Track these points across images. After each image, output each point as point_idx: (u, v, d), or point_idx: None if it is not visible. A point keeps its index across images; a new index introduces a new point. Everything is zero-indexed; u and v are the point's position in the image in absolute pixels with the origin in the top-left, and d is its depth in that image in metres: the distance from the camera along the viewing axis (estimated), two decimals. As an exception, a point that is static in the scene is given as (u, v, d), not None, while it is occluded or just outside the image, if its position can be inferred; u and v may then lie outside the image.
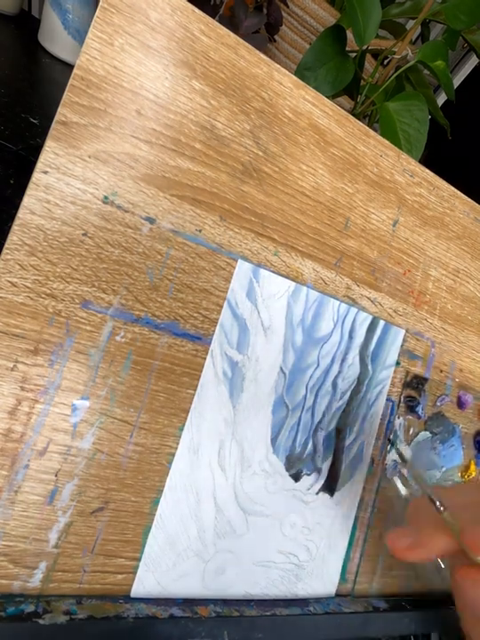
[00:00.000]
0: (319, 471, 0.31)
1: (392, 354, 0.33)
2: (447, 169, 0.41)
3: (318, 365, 0.30)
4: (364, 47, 0.49)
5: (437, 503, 0.23)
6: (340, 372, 0.31)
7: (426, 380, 0.35)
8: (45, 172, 0.22)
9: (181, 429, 0.26)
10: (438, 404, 0.36)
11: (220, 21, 0.25)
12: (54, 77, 0.64)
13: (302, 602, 0.29)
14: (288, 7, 0.63)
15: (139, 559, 0.25)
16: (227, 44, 0.25)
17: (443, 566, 0.36)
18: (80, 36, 0.65)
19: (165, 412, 0.25)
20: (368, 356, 0.32)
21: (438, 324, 0.36)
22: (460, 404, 0.37)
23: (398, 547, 0.23)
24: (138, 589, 0.25)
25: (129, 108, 0.23)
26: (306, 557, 0.30)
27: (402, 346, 0.34)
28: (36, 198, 0.22)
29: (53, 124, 0.22)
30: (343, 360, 0.31)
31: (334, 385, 0.31)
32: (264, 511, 0.28)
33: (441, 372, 0.36)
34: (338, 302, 0.31)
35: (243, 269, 0.27)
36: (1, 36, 0.65)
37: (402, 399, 0.34)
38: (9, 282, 0.21)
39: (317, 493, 0.30)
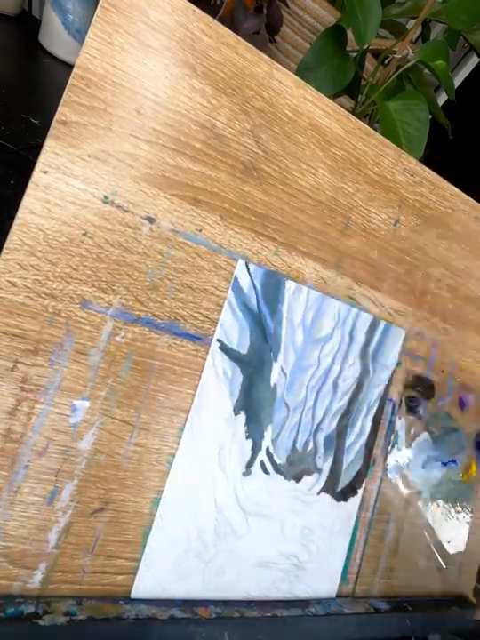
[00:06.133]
0: (320, 472, 0.30)
1: (393, 354, 0.33)
2: (448, 168, 0.41)
3: (319, 366, 0.30)
4: (365, 47, 0.49)
5: None
6: (340, 373, 0.31)
7: (427, 380, 0.35)
8: (45, 172, 0.22)
9: (181, 430, 0.26)
10: (439, 404, 0.36)
11: (220, 23, 0.25)
12: (54, 77, 0.64)
13: (303, 603, 0.29)
14: (288, 7, 0.63)
15: (139, 560, 0.25)
16: (227, 43, 0.25)
17: (444, 566, 0.36)
18: (80, 36, 0.65)
19: (165, 413, 0.25)
20: (369, 356, 0.32)
21: (439, 323, 0.36)
22: (462, 404, 0.37)
23: None
24: (138, 590, 0.24)
25: (129, 107, 0.23)
26: (306, 558, 0.30)
27: (403, 346, 0.34)
28: (35, 198, 0.22)
29: (53, 124, 0.22)
30: (344, 360, 0.31)
31: (335, 385, 0.31)
32: (265, 512, 0.28)
33: (442, 372, 0.36)
34: (338, 302, 0.31)
35: (243, 269, 0.27)
36: (1, 36, 0.65)
37: (402, 399, 0.34)
38: (9, 282, 0.21)
39: (318, 494, 0.30)
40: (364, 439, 0.32)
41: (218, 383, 0.27)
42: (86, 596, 0.23)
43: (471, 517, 0.38)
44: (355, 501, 0.32)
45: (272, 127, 0.27)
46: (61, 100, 0.22)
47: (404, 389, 0.34)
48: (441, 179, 0.35)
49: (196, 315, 0.26)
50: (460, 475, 0.38)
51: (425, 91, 0.57)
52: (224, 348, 0.27)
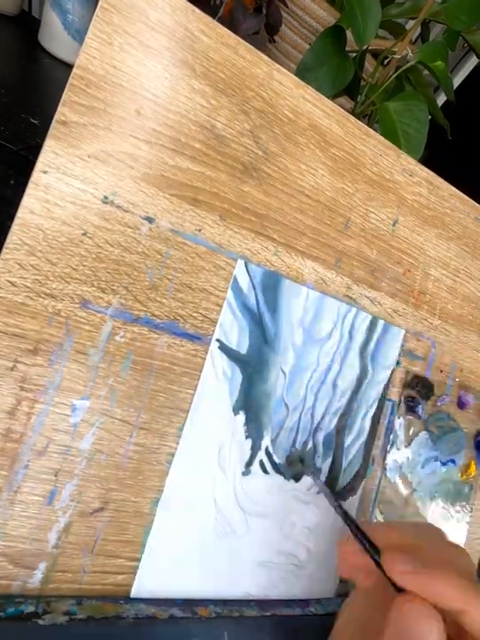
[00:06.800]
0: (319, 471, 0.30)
1: (392, 354, 0.33)
2: (447, 169, 0.41)
3: (318, 365, 0.30)
4: (364, 47, 0.49)
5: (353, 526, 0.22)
6: (339, 372, 0.31)
7: (426, 380, 0.35)
8: (45, 172, 0.22)
9: (181, 429, 0.26)
10: (439, 404, 0.36)
11: (219, 23, 0.25)
12: (54, 78, 0.64)
13: (303, 602, 0.29)
14: (288, 7, 0.63)
15: (139, 559, 0.25)
16: (227, 43, 0.25)
17: None
18: (80, 36, 0.65)
19: (165, 412, 0.25)
20: (368, 356, 0.32)
21: (438, 323, 0.36)
22: (461, 404, 0.37)
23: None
24: (138, 590, 0.24)
25: (128, 107, 0.23)
26: (306, 558, 0.30)
27: (402, 346, 0.34)
28: (35, 198, 0.22)
29: (53, 124, 0.22)
30: (343, 360, 0.31)
31: (334, 385, 0.31)
32: (264, 511, 0.28)
33: (441, 372, 0.36)
34: (338, 302, 0.31)
35: (242, 269, 0.27)
36: (1, 36, 0.65)
37: (402, 399, 0.34)
38: (8, 281, 0.21)
39: (318, 493, 0.30)
40: (363, 439, 0.32)
41: (217, 383, 0.27)
42: (86, 596, 0.23)
43: (470, 517, 0.38)
44: (354, 501, 0.32)
45: (272, 128, 0.27)
46: (61, 100, 0.22)
47: (404, 389, 0.34)
48: (440, 179, 0.35)
49: (195, 315, 0.26)
50: (459, 474, 0.38)
51: (424, 91, 0.57)
52: (223, 348, 0.27)
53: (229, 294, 0.27)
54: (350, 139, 0.30)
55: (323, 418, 0.31)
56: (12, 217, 0.21)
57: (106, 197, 0.23)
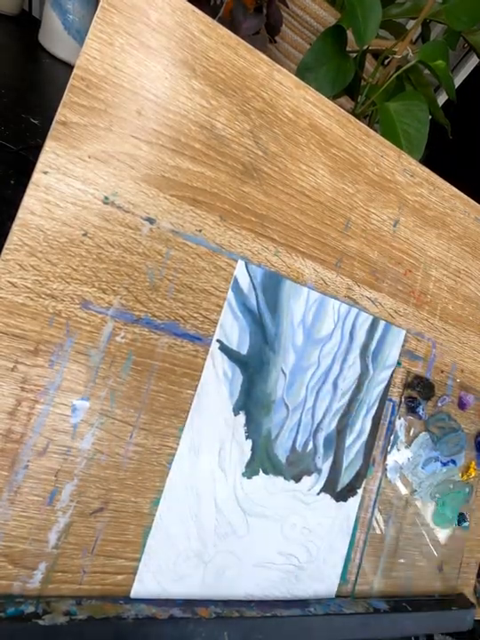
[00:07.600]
0: (320, 472, 0.30)
1: (393, 354, 0.33)
2: (448, 169, 0.41)
3: (319, 366, 0.30)
4: (365, 47, 0.49)
5: None
6: (340, 373, 0.31)
7: (427, 380, 0.35)
8: (45, 173, 0.22)
9: (181, 430, 0.26)
10: (439, 404, 0.36)
11: (220, 23, 0.25)
12: (54, 78, 0.64)
13: (303, 603, 0.29)
14: (288, 7, 0.63)
15: (139, 560, 0.25)
16: (227, 43, 0.25)
17: (444, 566, 0.36)
18: (80, 36, 0.65)
19: (166, 413, 0.25)
20: (369, 356, 0.32)
21: (439, 324, 0.36)
22: (462, 404, 0.37)
23: None
24: (138, 590, 0.24)
25: (129, 108, 0.23)
26: (306, 558, 0.30)
27: (403, 346, 0.34)
28: (36, 199, 0.22)
29: (53, 125, 0.22)
30: (344, 360, 0.31)
31: (335, 385, 0.31)
32: (264, 512, 0.28)
33: (442, 372, 0.36)
34: (338, 303, 0.31)
35: (243, 270, 0.27)
36: (1, 36, 0.65)
37: (402, 400, 0.34)
38: (9, 282, 0.21)
39: (318, 494, 0.30)
40: (363, 439, 0.32)
41: (218, 384, 0.27)
42: (86, 596, 0.23)
43: (470, 517, 0.38)
44: (354, 501, 0.32)
45: (272, 128, 0.27)
46: (62, 101, 0.22)
47: (404, 389, 0.34)
48: (441, 179, 0.35)
49: (195, 315, 0.26)
50: (460, 475, 0.38)
51: (425, 91, 0.57)
52: (224, 349, 0.27)
53: (230, 295, 0.27)
54: (351, 139, 0.30)
55: (323, 418, 0.31)
56: (12, 217, 0.21)
57: (106, 198, 0.23)
